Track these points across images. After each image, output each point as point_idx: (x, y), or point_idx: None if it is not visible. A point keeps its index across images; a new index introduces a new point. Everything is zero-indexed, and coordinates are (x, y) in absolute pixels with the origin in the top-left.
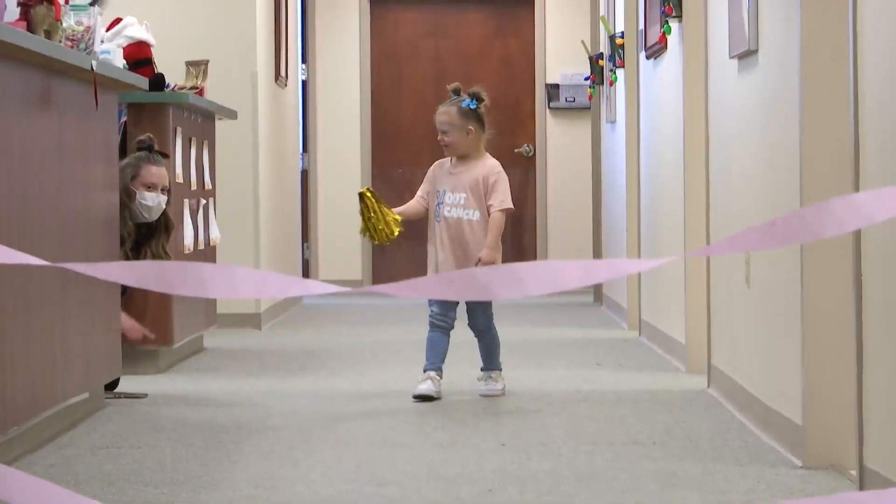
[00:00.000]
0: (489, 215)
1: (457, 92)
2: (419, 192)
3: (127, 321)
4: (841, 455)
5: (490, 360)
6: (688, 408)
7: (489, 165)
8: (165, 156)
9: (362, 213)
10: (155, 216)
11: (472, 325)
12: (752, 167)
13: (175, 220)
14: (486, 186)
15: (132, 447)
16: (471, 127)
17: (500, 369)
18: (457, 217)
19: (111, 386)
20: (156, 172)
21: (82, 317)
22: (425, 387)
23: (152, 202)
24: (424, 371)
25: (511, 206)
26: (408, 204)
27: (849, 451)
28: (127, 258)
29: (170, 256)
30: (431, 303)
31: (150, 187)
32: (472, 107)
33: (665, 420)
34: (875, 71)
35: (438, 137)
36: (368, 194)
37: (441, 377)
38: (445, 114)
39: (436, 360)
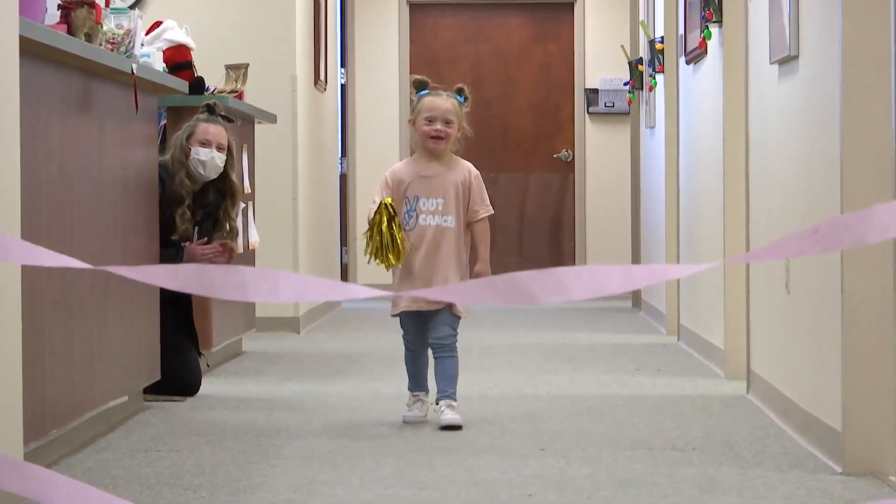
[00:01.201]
0: (470, 222)
1: (422, 85)
2: (378, 200)
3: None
4: (880, 461)
5: (450, 384)
6: (727, 413)
7: (466, 167)
8: (230, 120)
9: (379, 229)
10: (210, 173)
11: (434, 339)
12: (793, 173)
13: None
14: (467, 190)
15: (171, 450)
16: (464, 124)
17: (456, 398)
18: (434, 225)
19: (191, 390)
20: (211, 130)
21: (121, 320)
22: (413, 414)
23: (205, 157)
24: (412, 392)
25: (492, 210)
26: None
27: (888, 458)
28: (193, 213)
29: (234, 221)
30: (405, 326)
31: (204, 143)
32: (463, 103)
33: (704, 426)
34: None
35: (434, 128)
36: (390, 208)
37: (427, 394)
38: (451, 103)
39: (422, 380)
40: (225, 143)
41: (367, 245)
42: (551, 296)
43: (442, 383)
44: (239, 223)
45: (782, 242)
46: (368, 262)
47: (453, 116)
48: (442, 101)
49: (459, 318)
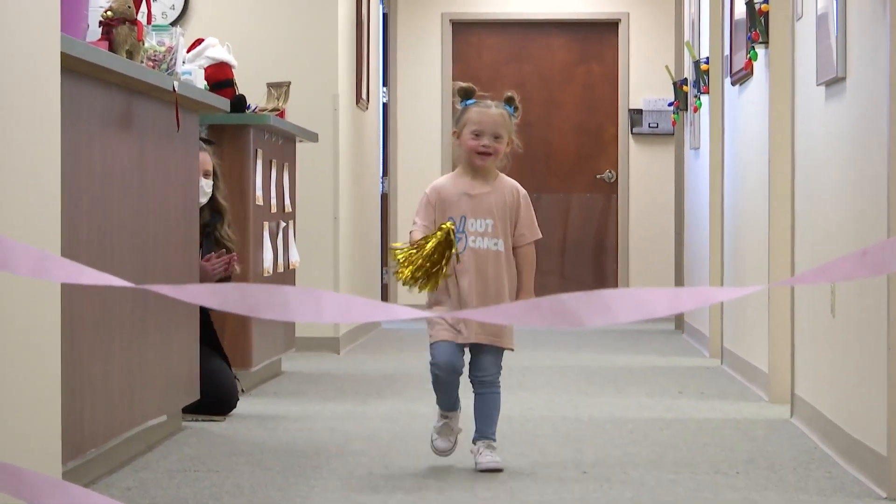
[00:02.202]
0: (515, 246)
1: (468, 94)
2: (422, 222)
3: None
4: None
5: (491, 424)
6: (771, 437)
7: (512, 184)
8: (210, 142)
9: (434, 255)
10: (201, 199)
11: (476, 375)
12: (839, 195)
13: (255, 242)
14: (515, 211)
15: (210, 471)
16: (514, 138)
17: (495, 438)
18: (484, 248)
19: (228, 405)
20: None
21: (161, 339)
22: (443, 444)
23: None
24: (442, 411)
25: (540, 235)
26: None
27: None
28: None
29: (232, 240)
30: (438, 354)
31: None
32: (513, 114)
33: (748, 449)
34: None
35: (482, 143)
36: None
37: (458, 413)
38: (501, 115)
39: (453, 401)
40: (210, 168)
41: (411, 267)
42: (596, 318)
43: (481, 422)
44: (279, 243)
45: (830, 266)
46: (405, 284)
47: (503, 130)
48: (491, 114)
49: (503, 351)
